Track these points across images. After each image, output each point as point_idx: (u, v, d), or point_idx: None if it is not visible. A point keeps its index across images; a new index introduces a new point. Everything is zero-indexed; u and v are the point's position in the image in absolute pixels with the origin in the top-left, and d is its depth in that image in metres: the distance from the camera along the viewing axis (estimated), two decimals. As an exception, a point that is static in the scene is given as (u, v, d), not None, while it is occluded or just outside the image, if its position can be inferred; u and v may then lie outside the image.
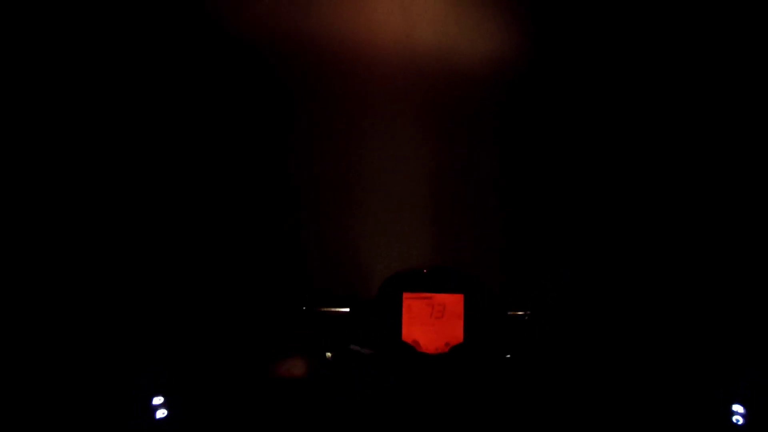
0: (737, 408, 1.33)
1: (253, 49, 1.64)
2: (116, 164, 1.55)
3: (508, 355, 1.53)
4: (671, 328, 1.53)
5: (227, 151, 1.66)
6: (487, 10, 1.66)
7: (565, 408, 1.44)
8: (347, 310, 1.57)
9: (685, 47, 1.59)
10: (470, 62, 1.69)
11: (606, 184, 1.68)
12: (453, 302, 1.50)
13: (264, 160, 1.68)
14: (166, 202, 1.60)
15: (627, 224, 1.65)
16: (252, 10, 1.60)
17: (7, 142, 1.39)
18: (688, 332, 1.51)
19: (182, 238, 1.61)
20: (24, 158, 1.41)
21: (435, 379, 1.46)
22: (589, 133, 1.69)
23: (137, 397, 1.36)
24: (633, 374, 1.48)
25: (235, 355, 1.52)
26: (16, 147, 1.40)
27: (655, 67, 1.63)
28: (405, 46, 1.67)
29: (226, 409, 1.43)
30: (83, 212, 1.50)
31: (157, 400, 1.37)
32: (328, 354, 1.53)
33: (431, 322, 1.49)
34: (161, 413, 1.37)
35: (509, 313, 1.57)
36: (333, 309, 1.58)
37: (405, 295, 1.51)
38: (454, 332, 1.49)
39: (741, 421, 1.32)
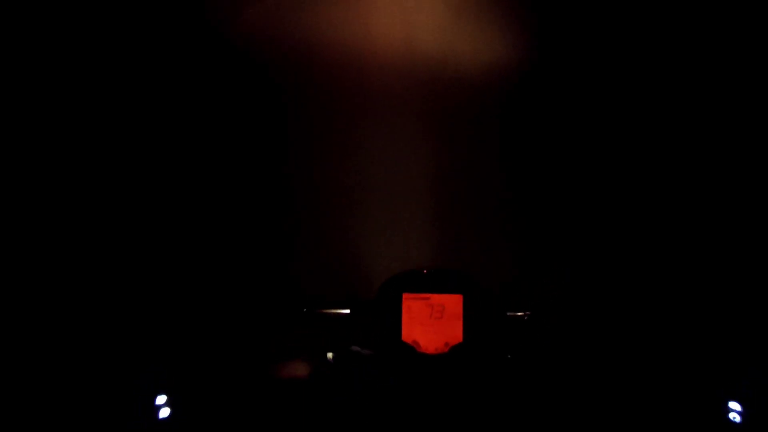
0: (734, 406, 1.33)
1: (255, 54, 1.66)
2: (117, 166, 1.57)
3: (508, 356, 1.54)
4: (670, 327, 1.54)
5: (229, 153, 1.68)
6: (486, 15, 1.68)
7: (566, 408, 1.45)
8: (347, 311, 1.59)
9: (685, 53, 1.61)
10: (470, 66, 1.71)
11: (606, 185, 1.69)
12: (452, 303, 1.51)
13: (265, 162, 1.70)
14: (169, 204, 1.62)
15: (627, 224, 1.66)
16: (252, 15, 1.62)
17: (7, 143, 1.41)
18: (686, 331, 1.52)
19: (184, 240, 1.63)
20: (23, 159, 1.43)
21: (435, 379, 1.47)
22: (589, 136, 1.70)
23: (140, 396, 1.37)
24: (632, 374, 1.48)
25: (237, 355, 1.53)
26: (15, 148, 1.42)
27: (655, 72, 1.64)
28: (405, 50, 1.69)
29: (228, 409, 1.44)
30: (87, 214, 1.51)
31: (160, 400, 1.38)
32: (329, 354, 1.54)
33: (431, 322, 1.50)
34: (164, 412, 1.38)
35: (509, 313, 1.58)
36: (333, 310, 1.59)
37: (405, 295, 1.52)
38: (454, 333, 1.50)
39: (738, 419, 1.33)
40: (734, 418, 1.34)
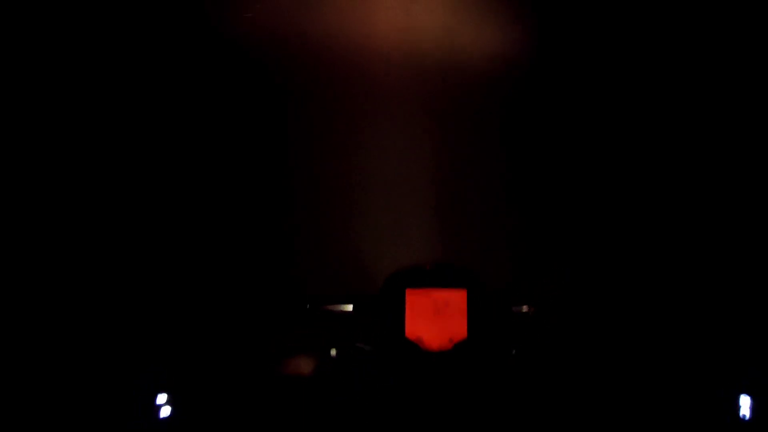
0: (744, 400, 1.32)
1: (253, 51, 1.65)
2: (121, 165, 1.56)
3: (513, 351, 1.52)
4: (678, 321, 1.52)
5: (232, 148, 1.67)
6: (489, 6, 1.67)
7: (570, 403, 1.43)
8: (351, 307, 1.57)
9: (691, 40, 1.60)
10: (472, 62, 1.69)
11: (611, 177, 1.67)
12: (456, 298, 1.50)
13: (267, 158, 1.69)
14: (173, 202, 1.61)
15: (633, 218, 1.65)
16: (253, 10, 1.61)
17: (7, 143, 1.40)
18: (695, 325, 1.50)
19: (187, 236, 1.61)
20: (23, 159, 1.42)
21: (439, 375, 1.45)
22: (594, 129, 1.69)
23: (141, 395, 1.36)
24: (639, 368, 1.47)
25: (239, 353, 1.52)
26: (15, 148, 1.41)
27: (661, 64, 1.63)
28: (406, 46, 1.68)
29: (230, 406, 1.43)
30: (89, 211, 1.50)
31: (161, 398, 1.37)
32: (333, 351, 1.52)
33: (435, 318, 1.49)
34: (165, 411, 1.37)
35: (513, 309, 1.56)
36: (337, 307, 1.58)
37: (408, 291, 1.50)
38: (458, 328, 1.48)
39: (747, 413, 1.31)
40: (743, 415, 1.32)
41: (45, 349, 1.35)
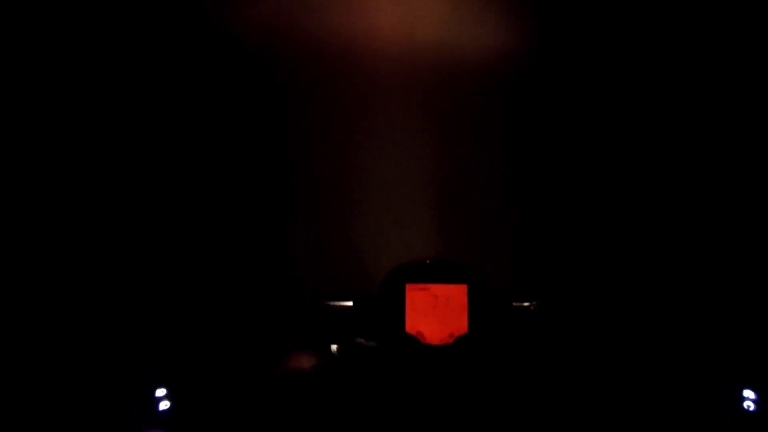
0: (748, 393, 1.30)
1: (253, 50, 1.66)
2: (123, 165, 1.58)
3: (514, 346, 1.51)
4: (679, 317, 1.51)
5: (233, 148, 1.68)
6: (489, 6, 1.68)
7: (572, 398, 1.42)
8: (351, 303, 1.57)
9: (691, 39, 1.60)
10: (472, 59, 1.70)
11: (611, 174, 1.67)
12: (457, 293, 1.49)
13: (267, 157, 1.70)
14: (175, 200, 1.62)
15: (635, 213, 1.64)
16: (254, 10, 1.63)
17: (7, 143, 1.41)
18: (696, 320, 1.49)
19: (189, 235, 1.62)
20: (24, 160, 1.43)
21: (440, 370, 1.44)
22: (594, 127, 1.69)
23: (140, 389, 1.36)
24: (643, 362, 1.45)
25: (239, 348, 1.52)
26: (15, 148, 1.42)
27: (661, 63, 1.63)
28: (406, 45, 1.69)
29: (229, 401, 1.42)
30: (92, 209, 1.52)
31: (160, 392, 1.37)
32: (334, 347, 1.52)
33: (435, 313, 1.48)
34: (164, 405, 1.36)
35: (514, 303, 1.56)
36: (337, 303, 1.57)
37: (408, 286, 1.50)
38: (459, 323, 1.47)
39: (753, 406, 1.29)
40: (749, 407, 1.30)
41: (48, 343, 1.36)
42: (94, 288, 1.47)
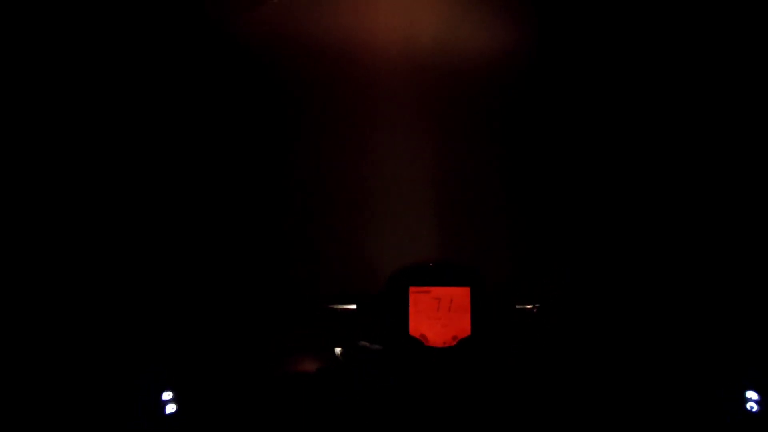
0: (751, 394, 1.30)
1: (258, 52, 1.67)
2: (127, 165, 1.59)
3: (517, 349, 1.52)
4: (680, 317, 1.51)
5: (237, 149, 1.69)
6: (489, 6, 1.68)
7: (574, 399, 1.42)
8: (354, 306, 1.58)
9: (690, 38, 1.60)
10: (473, 61, 1.71)
11: (611, 175, 1.67)
12: (460, 295, 1.50)
13: (273, 159, 1.71)
14: (179, 202, 1.63)
15: (636, 213, 1.65)
16: (256, 13, 1.64)
17: (7, 143, 1.42)
18: (697, 320, 1.49)
19: (193, 236, 1.63)
20: (25, 160, 1.44)
21: (443, 372, 1.45)
22: (594, 128, 1.69)
23: (147, 392, 1.37)
24: (645, 364, 1.46)
25: (244, 351, 1.53)
26: (16, 148, 1.43)
27: (661, 63, 1.63)
28: (408, 46, 1.70)
29: (235, 404, 1.43)
30: (95, 208, 1.52)
31: (167, 396, 1.38)
32: (337, 350, 1.53)
33: (438, 315, 1.49)
34: (171, 408, 1.38)
35: (517, 306, 1.56)
36: (340, 306, 1.58)
37: (411, 289, 1.51)
38: (462, 325, 1.48)
39: (755, 408, 1.29)
40: (751, 407, 1.31)
41: (54, 346, 1.37)
42: (99, 292, 1.48)
